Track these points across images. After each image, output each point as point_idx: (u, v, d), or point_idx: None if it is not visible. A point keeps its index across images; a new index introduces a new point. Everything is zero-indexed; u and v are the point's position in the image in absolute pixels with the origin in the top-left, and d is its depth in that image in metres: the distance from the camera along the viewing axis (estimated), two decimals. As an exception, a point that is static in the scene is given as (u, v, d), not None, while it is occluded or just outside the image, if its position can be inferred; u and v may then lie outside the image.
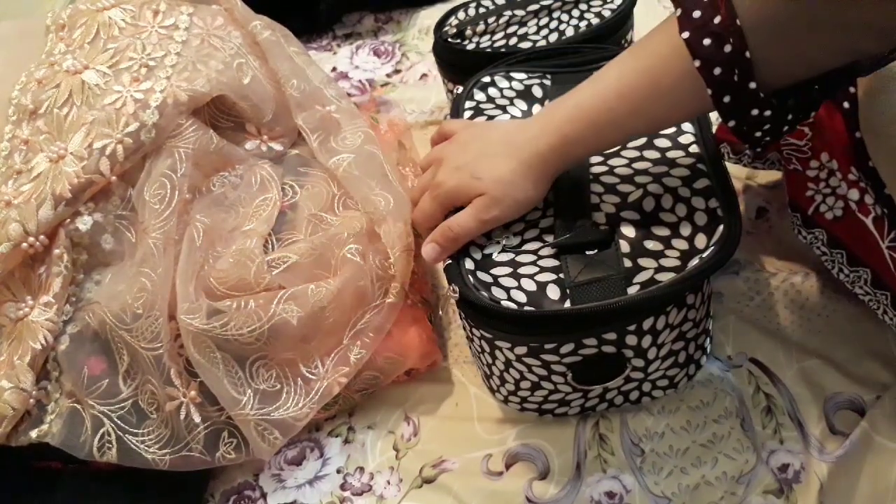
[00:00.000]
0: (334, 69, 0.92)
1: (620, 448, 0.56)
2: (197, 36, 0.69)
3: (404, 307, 0.60)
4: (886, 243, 0.50)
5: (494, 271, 0.52)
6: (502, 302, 0.49)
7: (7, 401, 0.54)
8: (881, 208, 0.50)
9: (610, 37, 0.71)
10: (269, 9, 0.78)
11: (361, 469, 0.58)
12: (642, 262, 0.49)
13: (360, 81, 0.90)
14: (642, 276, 0.48)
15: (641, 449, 0.55)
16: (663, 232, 0.50)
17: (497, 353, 0.52)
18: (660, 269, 0.48)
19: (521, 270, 0.51)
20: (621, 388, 0.54)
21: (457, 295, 0.50)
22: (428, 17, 0.97)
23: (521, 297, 0.49)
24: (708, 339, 0.56)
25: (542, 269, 0.51)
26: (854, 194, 0.51)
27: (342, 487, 0.57)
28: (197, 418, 0.55)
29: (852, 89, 0.51)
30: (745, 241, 0.64)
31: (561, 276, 0.50)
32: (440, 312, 0.66)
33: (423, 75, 0.88)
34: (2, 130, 0.64)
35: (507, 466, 0.56)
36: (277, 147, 0.70)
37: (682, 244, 0.49)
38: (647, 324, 0.49)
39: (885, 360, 0.57)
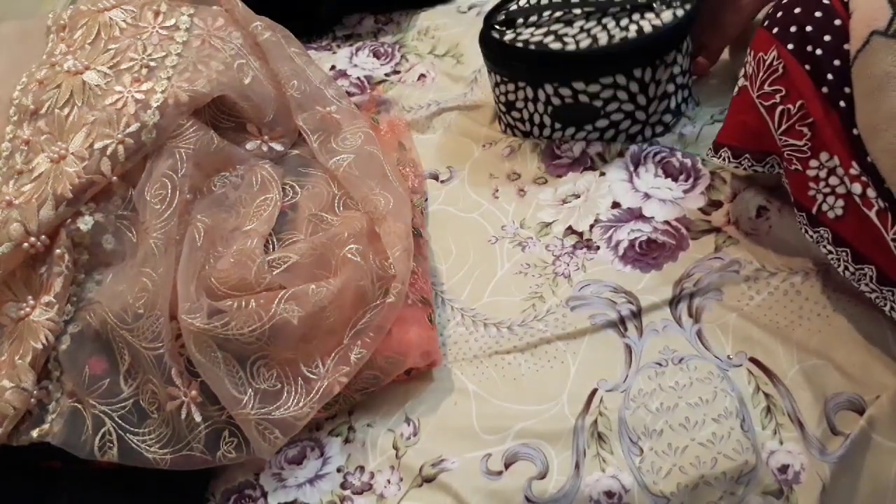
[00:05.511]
0: (333, 67, 0.92)
1: (619, 447, 0.56)
2: (198, 37, 0.69)
3: (404, 307, 0.60)
4: (891, 235, 0.50)
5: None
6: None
7: (8, 400, 0.55)
8: (883, 202, 0.50)
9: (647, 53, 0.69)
10: (269, 10, 0.78)
11: (362, 468, 0.58)
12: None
13: (358, 79, 0.89)
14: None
15: (640, 448, 0.55)
16: None
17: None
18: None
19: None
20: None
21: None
22: (427, 19, 0.97)
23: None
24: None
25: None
26: (857, 188, 0.51)
27: (342, 486, 0.57)
28: (198, 418, 0.55)
29: (847, 89, 0.51)
30: (745, 241, 0.64)
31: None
32: (440, 312, 0.66)
33: (422, 76, 0.88)
34: (3, 131, 0.64)
35: (507, 466, 0.56)
36: (278, 147, 0.71)
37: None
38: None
39: (885, 360, 0.57)
